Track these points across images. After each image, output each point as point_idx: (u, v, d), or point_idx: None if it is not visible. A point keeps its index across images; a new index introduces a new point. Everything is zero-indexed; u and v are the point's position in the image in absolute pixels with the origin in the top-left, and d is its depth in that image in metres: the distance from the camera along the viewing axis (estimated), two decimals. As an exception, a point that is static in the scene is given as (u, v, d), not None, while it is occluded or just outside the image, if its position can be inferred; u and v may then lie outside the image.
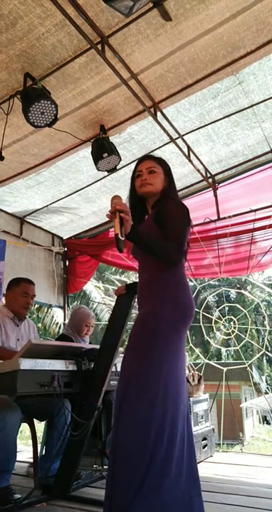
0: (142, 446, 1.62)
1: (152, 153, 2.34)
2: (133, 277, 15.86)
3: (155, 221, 1.88)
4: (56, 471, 2.54)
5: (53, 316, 11.80)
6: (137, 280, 2.02)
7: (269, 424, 17.35)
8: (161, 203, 1.92)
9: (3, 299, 3.04)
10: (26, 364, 1.95)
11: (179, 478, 1.68)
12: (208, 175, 4.54)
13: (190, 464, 1.76)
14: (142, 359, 1.74)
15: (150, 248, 1.83)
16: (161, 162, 2.07)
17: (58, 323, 11.56)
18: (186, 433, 1.78)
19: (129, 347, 1.81)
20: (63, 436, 2.57)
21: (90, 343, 3.56)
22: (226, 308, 6.90)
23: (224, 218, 4.65)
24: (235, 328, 6.32)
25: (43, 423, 3.18)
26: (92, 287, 13.50)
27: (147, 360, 1.72)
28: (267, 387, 17.41)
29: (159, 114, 3.38)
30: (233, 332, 6.36)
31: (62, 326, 9.90)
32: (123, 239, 1.70)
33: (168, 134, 3.56)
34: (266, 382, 19.42)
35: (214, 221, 4.70)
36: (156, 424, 1.64)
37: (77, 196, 4.54)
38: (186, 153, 3.94)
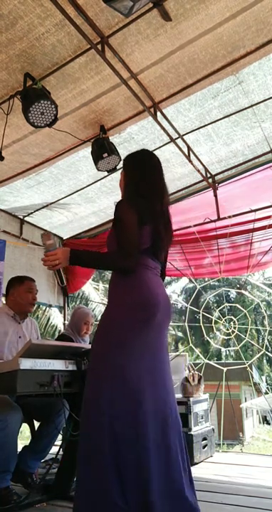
0: (99, 457, 1.58)
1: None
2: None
3: (113, 228, 1.83)
4: (35, 466, 2.56)
5: (49, 318, 11.73)
6: None
7: (269, 424, 17.35)
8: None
9: (4, 300, 3.03)
10: (26, 364, 1.94)
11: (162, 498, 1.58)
12: (208, 175, 4.54)
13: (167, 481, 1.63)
14: (95, 363, 1.72)
15: (95, 267, 1.90)
16: (124, 159, 2.05)
17: (54, 325, 11.49)
18: (162, 443, 1.66)
19: (91, 349, 1.79)
20: (62, 436, 2.57)
21: (90, 343, 3.56)
22: (226, 309, 6.90)
23: (224, 218, 4.65)
24: (235, 328, 6.31)
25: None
26: (91, 288, 13.48)
27: (99, 366, 1.69)
28: (267, 387, 17.41)
29: (159, 114, 3.38)
30: (233, 332, 6.36)
31: (58, 327, 9.88)
32: (64, 285, 1.79)
33: (168, 134, 3.56)
34: (266, 382, 19.42)
35: (214, 221, 4.70)
36: (108, 435, 1.59)
37: (77, 196, 4.53)
38: (186, 153, 3.94)
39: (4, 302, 2.98)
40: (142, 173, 1.94)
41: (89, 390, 1.70)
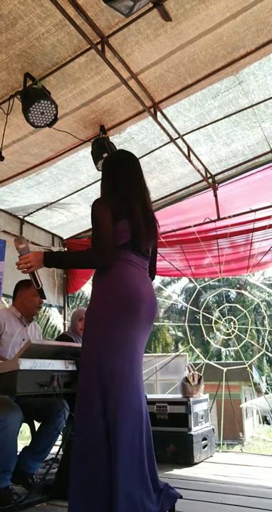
0: (96, 456, 1.60)
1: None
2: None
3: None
4: (35, 467, 2.56)
5: (49, 318, 11.71)
6: None
7: (269, 424, 17.35)
8: None
9: (4, 300, 3.04)
10: (26, 364, 1.94)
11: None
12: (208, 175, 4.54)
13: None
14: (84, 361, 1.76)
15: (72, 266, 1.96)
16: (103, 161, 2.11)
17: (53, 325, 11.48)
18: (137, 444, 1.68)
19: (81, 347, 1.83)
20: (62, 436, 2.57)
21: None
22: (226, 309, 6.89)
23: (224, 218, 4.65)
24: (235, 328, 6.31)
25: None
26: (90, 288, 13.47)
27: (87, 364, 1.72)
28: (267, 387, 17.40)
29: (159, 114, 3.38)
30: (233, 332, 6.36)
31: (58, 327, 9.87)
32: (40, 287, 1.89)
33: (168, 134, 3.56)
34: (266, 382, 19.42)
35: (214, 221, 4.70)
36: (99, 435, 1.62)
37: (78, 196, 4.54)
38: (186, 153, 3.94)
39: (4, 302, 3.00)
40: (121, 173, 1.96)
41: (80, 387, 1.72)
